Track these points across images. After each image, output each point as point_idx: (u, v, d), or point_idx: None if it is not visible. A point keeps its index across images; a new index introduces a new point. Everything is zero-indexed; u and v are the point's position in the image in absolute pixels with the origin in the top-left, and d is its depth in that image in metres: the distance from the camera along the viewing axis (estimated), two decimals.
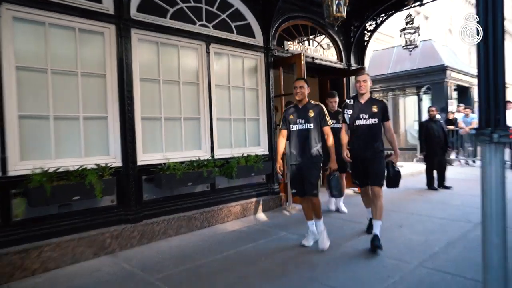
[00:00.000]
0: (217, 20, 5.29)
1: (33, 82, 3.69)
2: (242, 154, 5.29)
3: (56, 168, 3.64)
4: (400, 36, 9.15)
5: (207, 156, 5.04)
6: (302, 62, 5.74)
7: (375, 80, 12.41)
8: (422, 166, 10.50)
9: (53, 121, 3.78)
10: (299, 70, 5.76)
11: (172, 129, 4.81)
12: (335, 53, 7.51)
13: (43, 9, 3.70)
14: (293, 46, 6.47)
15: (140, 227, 4.21)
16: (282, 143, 3.98)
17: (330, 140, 3.86)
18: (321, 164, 3.88)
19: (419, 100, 12.33)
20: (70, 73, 3.93)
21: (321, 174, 3.90)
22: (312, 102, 3.94)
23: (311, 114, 3.84)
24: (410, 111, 12.75)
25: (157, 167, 4.39)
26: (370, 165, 3.84)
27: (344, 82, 7.68)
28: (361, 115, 3.86)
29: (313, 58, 6.79)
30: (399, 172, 3.86)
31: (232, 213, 5.18)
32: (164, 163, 4.45)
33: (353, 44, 7.60)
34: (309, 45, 6.97)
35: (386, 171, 3.85)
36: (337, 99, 5.67)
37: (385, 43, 14.72)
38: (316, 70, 7.66)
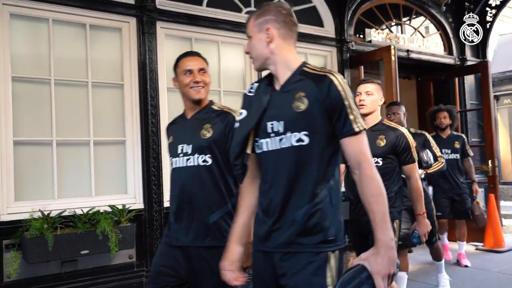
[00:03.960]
0: None
1: (31, 96, 4.17)
2: None
3: (60, 211, 3.99)
4: None
5: None
6: (393, 58, 5.86)
7: (504, 79, 12.18)
8: None
9: (56, 147, 4.21)
10: (388, 69, 5.89)
11: None
12: (441, 42, 7.55)
13: (40, 0, 4.13)
14: (377, 36, 6.63)
15: None
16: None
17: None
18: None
19: None
20: (78, 84, 4.39)
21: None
22: (216, 107, 2.73)
23: (208, 133, 2.64)
24: None
25: None
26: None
27: (456, 84, 7.66)
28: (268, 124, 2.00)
29: (407, 51, 6.89)
30: None
31: None
32: None
33: None
34: (401, 32, 7.11)
35: None
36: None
37: None
38: (413, 67, 7.72)
